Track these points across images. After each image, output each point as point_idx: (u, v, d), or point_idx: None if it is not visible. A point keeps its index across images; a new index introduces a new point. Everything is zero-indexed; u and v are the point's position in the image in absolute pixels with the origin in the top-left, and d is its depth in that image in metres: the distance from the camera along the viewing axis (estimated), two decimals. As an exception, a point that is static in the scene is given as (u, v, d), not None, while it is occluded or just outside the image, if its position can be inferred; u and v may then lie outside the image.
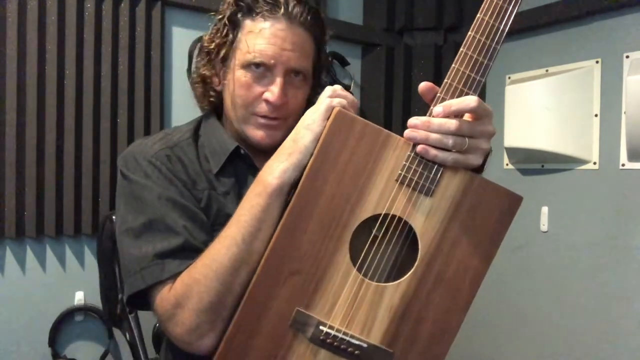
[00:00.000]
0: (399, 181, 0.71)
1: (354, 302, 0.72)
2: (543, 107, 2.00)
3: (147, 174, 0.84)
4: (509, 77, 2.25)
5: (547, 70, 2.10)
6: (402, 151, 0.71)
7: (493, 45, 0.71)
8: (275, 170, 0.74)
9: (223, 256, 0.73)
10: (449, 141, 0.69)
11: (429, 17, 2.37)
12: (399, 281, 0.72)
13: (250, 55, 0.85)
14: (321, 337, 0.71)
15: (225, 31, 0.88)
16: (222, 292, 0.73)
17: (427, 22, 2.38)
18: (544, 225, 2.10)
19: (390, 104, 2.40)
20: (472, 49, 0.71)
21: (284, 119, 0.88)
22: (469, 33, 0.71)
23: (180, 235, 0.79)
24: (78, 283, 1.79)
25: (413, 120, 0.70)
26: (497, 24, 0.71)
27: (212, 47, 0.91)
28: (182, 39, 1.95)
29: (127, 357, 1.85)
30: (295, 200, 0.71)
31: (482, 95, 2.27)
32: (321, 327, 0.71)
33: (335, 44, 2.30)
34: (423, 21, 2.38)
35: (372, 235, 0.74)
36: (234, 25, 0.88)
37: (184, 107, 1.95)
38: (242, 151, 0.91)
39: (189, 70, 1.93)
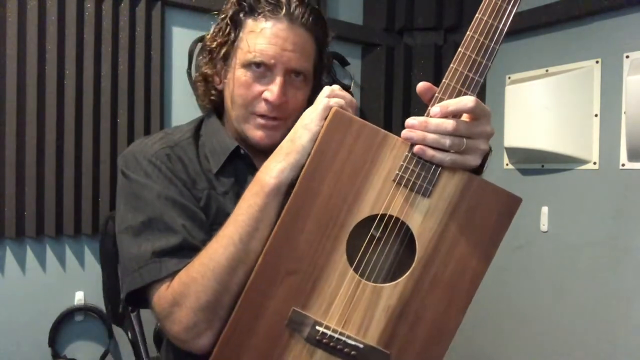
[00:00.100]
0: (397, 181, 0.71)
1: (350, 303, 0.72)
2: (543, 107, 1.99)
3: (147, 173, 0.84)
4: (509, 77, 2.24)
5: (547, 70, 2.10)
6: (399, 151, 0.71)
7: (492, 46, 0.71)
8: (272, 170, 0.75)
9: (220, 255, 0.74)
10: (447, 141, 0.69)
11: (429, 17, 2.37)
12: (396, 282, 0.72)
13: (251, 55, 0.85)
14: (317, 337, 0.71)
15: (227, 30, 0.89)
16: (219, 291, 0.73)
17: (427, 22, 2.37)
18: (544, 225, 2.10)
19: (390, 104, 2.40)
20: (470, 49, 0.70)
21: (284, 120, 0.89)
22: (468, 33, 0.71)
23: (179, 234, 0.80)
24: (78, 283, 1.79)
25: (410, 121, 0.70)
26: (496, 24, 0.71)
27: (214, 45, 0.91)
28: (182, 39, 1.95)
29: (127, 357, 1.85)
30: (293, 200, 0.71)
31: (481, 95, 2.27)
32: (317, 327, 0.71)
33: (335, 44, 2.30)
34: (423, 21, 2.37)
35: (370, 235, 0.73)
36: (236, 24, 0.88)
37: (184, 107, 1.95)
38: (242, 151, 0.91)
39: (189, 70, 1.94)
